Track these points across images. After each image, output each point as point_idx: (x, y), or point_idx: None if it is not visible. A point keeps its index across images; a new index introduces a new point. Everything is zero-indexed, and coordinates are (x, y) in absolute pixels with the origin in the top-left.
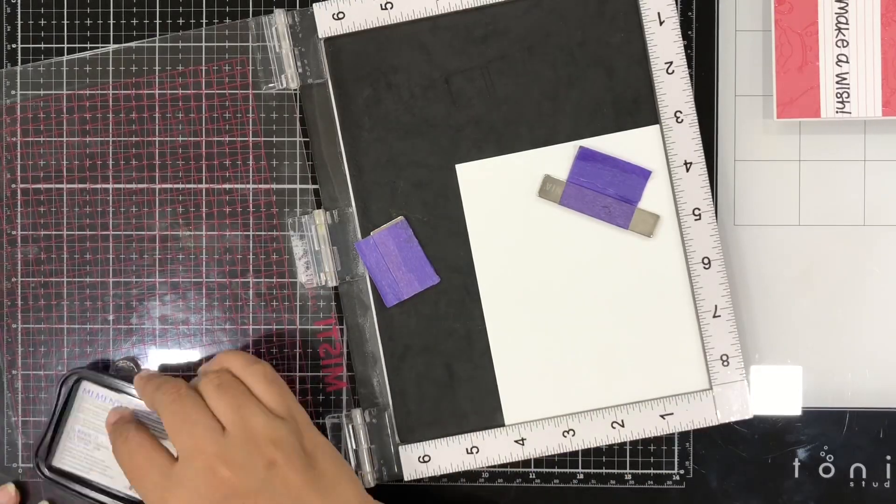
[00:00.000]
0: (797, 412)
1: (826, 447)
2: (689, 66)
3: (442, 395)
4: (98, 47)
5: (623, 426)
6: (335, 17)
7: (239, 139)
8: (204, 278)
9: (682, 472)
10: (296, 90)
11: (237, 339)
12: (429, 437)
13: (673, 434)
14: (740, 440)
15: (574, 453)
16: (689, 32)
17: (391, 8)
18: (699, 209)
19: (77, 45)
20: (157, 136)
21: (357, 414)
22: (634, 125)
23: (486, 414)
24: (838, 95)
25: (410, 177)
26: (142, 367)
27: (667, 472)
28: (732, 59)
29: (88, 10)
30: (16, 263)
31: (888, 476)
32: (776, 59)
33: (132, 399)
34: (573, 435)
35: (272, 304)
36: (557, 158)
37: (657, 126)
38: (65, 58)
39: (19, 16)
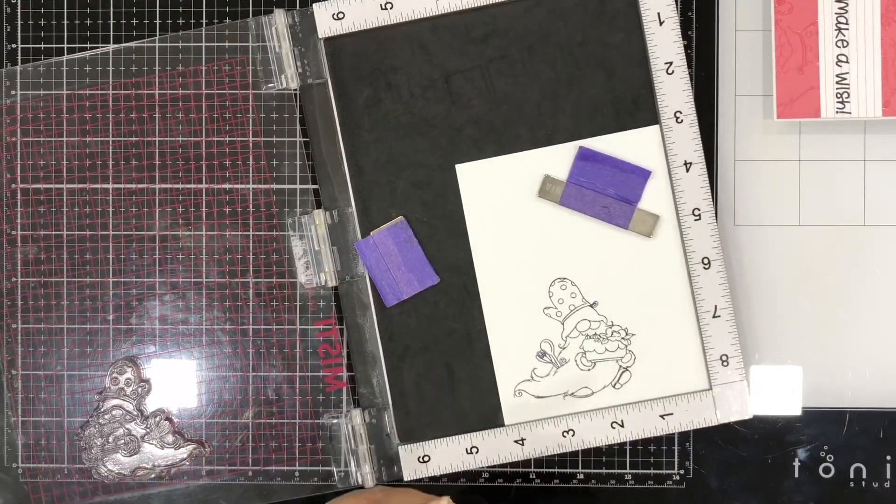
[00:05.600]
0: (797, 412)
1: (826, 447)
2: (689, 66)
3: (442, 395)
4: (98, 47)
5: (623, 426)
6: (335, 17)
7: (239, 139)
8: (204, 278)
9: (682, 472)
10: (296, 90)
11: (237, 339)
12: (429, 437)
13: (673, 434)
14: (740, 440)
15: (574, 453)
16: (689, 32)
17: (391, 8)
18: (699, 209)
19: (77, 45)
20: (157, 136)
21: (357, 414)
22: (634, 125)
23: (486, 414)
24: (838, 95)
25: (410, 177)
26: (140, 369)
27: (667, 472)
28: (732, 59)
29: (88, 10)
30: (16, 263)
31: (888, 476)
32: (776, 59)
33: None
34: (573, 435)
35: (272, 304)
36: (557, 158)
37: (657, 126)
38: (65, 58)
39: (19, 16)
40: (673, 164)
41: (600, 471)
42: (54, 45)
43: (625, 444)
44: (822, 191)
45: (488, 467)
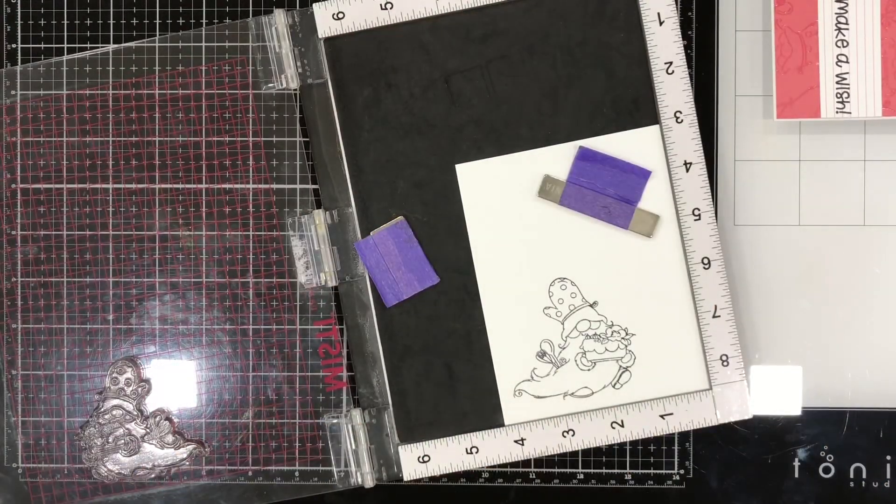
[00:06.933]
0: (797, 412)
1: (826, 447)
2: (689, 66)
3: (442, 395)
4: (98, 47)
5: (623, 426)
6: (335, 17)
7: (239, 139)
8: (204, 278)
9: (682, 472)
10: (296, 90)
11: (237, 340)
12: (428, 437)
13: (673, 434)
14: (740, 440)
15: (574, 453)
16: (689, 32)
17: (391, 8)
18: (699, 209)
19: (77, 45)
20: (157, 136)
21: (357, 414)
22: (634, 125)
23: (486, 414)
24: (838, 95)
25: (410, 177)
26: (140, 369)
27: (667, 472)
28: (732, 59)
29: (88, 10)
30: (16, 263)
31: (888, 476)
32: (776, 59)
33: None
34: (573, 435)
35: (272, 304)
36: (557, 158)
37: (657, 126)
38: (65, 58)
39: (19, 16)
40: (673, 164)
41: (600, 471)
42: (54, 45)
43: (625, 444)
44: (822, 191)
45: (488, 467)
